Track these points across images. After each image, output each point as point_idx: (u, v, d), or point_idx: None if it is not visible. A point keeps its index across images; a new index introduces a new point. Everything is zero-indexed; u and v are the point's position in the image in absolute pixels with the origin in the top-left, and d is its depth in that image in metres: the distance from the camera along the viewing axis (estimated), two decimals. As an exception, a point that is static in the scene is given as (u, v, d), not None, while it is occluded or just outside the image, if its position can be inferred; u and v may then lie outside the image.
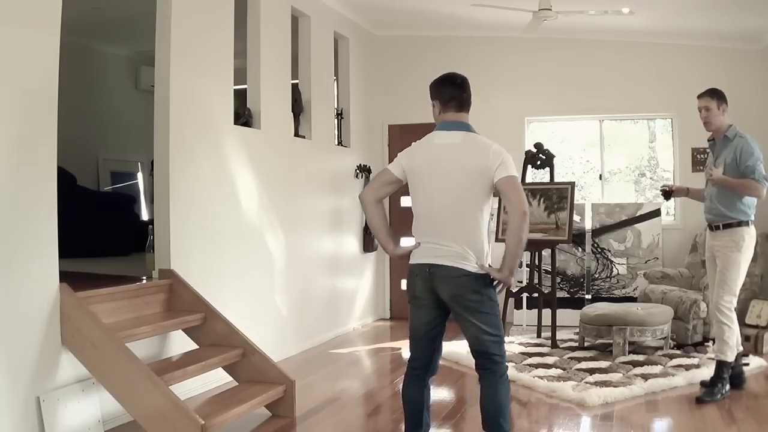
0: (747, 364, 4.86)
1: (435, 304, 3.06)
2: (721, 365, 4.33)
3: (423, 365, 3.17)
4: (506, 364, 3.08)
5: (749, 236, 4.31)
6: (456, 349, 5.70)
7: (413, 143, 3.22)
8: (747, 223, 4.30)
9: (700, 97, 4.43)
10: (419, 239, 3.11)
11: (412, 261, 3.11)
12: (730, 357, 4.31)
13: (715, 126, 4.40)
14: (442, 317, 3.12)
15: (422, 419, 3.16)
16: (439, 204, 3.03)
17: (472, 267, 2.97)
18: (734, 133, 4.35)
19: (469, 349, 3.12)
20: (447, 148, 3.06)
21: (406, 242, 3.23)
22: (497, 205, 6.54)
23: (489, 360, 3.04)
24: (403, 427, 3.21)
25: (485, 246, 3.04)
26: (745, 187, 4.22)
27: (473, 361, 3.10)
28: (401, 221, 7.78)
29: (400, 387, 3.31)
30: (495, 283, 3.03)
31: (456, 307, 3.02)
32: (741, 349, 4.50)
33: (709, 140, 4.59)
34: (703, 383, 4.53)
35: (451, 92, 3.15)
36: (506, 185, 2.96)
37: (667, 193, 4.72)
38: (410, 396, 3.18)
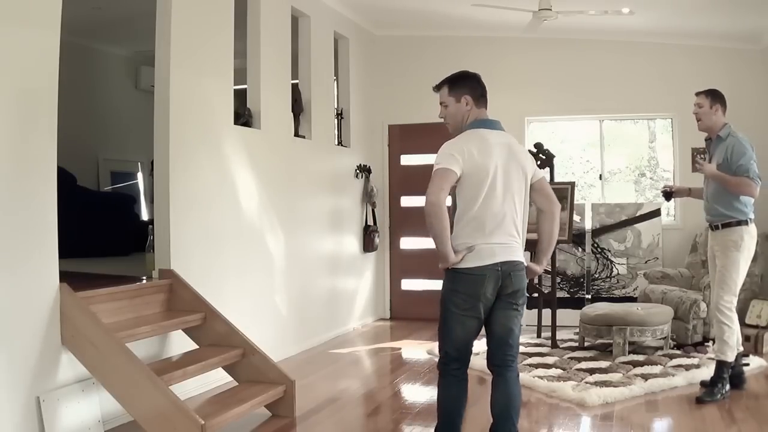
0: (747, 364, 4.86)
1: (491, 303, 3.05)
2: (721, 365, 4.33)
3: (467, 366, 3.15)
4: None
5: (749, 235, 4.30)
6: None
7: (459, 140, 3.09)
8: (746, 222, 4.29)
9: (696, 94, 4.47)
10: (473, 242, 3.02)
11: (476, 264, 2.99)
12: (730, 357, 4.31)
13: (706, 125, 4.42)
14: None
15: (461, 422, 3.16)
16: (507, 204, 3.05)
17: (524, 260, 3.12)
18: (727, 132, 4.35)
19: (490, 348, 3.14)
20: (505, 148, 3.08)
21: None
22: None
23: (510, 356, 3.09)
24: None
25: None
26: (739, 184, 4.21)
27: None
28: (403, 222, 7.80)
29: (434, 393, 3.26)
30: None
31: (512, 299, 3.06)
32: (741, 349, 4.50)
33: (706, 140, 4.59)
34: (703, 383, 4.53)
35: (481, 89, 3.18)
36: (544, 183, 3.20)
37: (668, 194, 4.72)
38: (459, 399, 3.13)
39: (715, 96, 4.39)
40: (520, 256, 3.08)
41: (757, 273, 6.11)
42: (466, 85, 3.17)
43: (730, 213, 4.30)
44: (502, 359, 3.09)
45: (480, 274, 2.98)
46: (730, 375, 4.36)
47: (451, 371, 3.12)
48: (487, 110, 3.19)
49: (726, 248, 4.31)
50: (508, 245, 3.03)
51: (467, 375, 3.15)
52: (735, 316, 4.33)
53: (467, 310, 3.02)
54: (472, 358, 3.21)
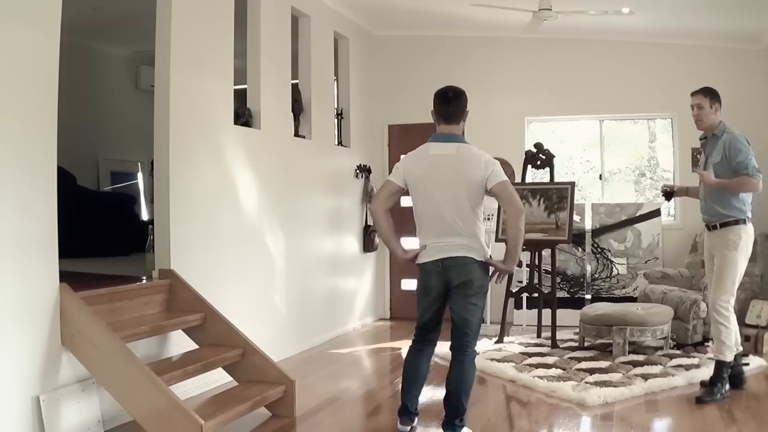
0: (747, 364, 4.85)
1: (443, 293, 3.57)
2: (720, 365, 4.32)
3: (427, 343, 3.72)
4: (477, 350, 3.63)
5: (746, 234, 4.28)
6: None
7: (408, 154, 3.66)
8: (744, 221, 4.27)
9: (693, 94, 4.43)
10: (425, 241, 3.59)
11: (423, 260, 3.58)
12: (729, 357, 4.30)
13: (706, 124, 4.40)
14: (445, 303, 3.64)
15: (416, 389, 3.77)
16: (444, 209, 3.49)
17: (476, 256, 3.49)
18: (722, 130, 4.33)
19: (451, 333, 3.63)
20: (444, 159, 3.51)
21: (407, 243, 3.73)
22: (497, 206, 6.56)
23: (465, 341, 3.55)
24: (400, 395, 3.80)
25: (483, 241, 3.57)
26: (741, 184, 4.19)
27: None
28: (402, 221, 7.79)
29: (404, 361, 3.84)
30: (497, 274, 3.57)
31: (459, 290, 3.51)
32: (740, 349, 4.49)
33: (701, 138, 4.57)
34: (703, 383, 4.53)
35: (441, 107, 3.58)
36: (502, 190, 3.46)
37: (669, 194, 4.70)
38: (414, 367, 3.74)
39: (713, 95, 4.37)
40: (464, 252, 3.47)
41: (757, 273, 6.11)
42: (434, 103, 3.62)
43: (727, 212, 4.28)
44: (458, 344, 3.57)
45: (427, 268, 3.56)
46: (729, 375, 4.35)
47: (415, 341, 3.75)
48: (452, 125, 3.57)
49: (724, 248, 4.29)
50: (449, 244, 3.49)
51: (428, 352, 3.73)
52: (733, 316, 4.32)
53: (424, 294, 3.62)
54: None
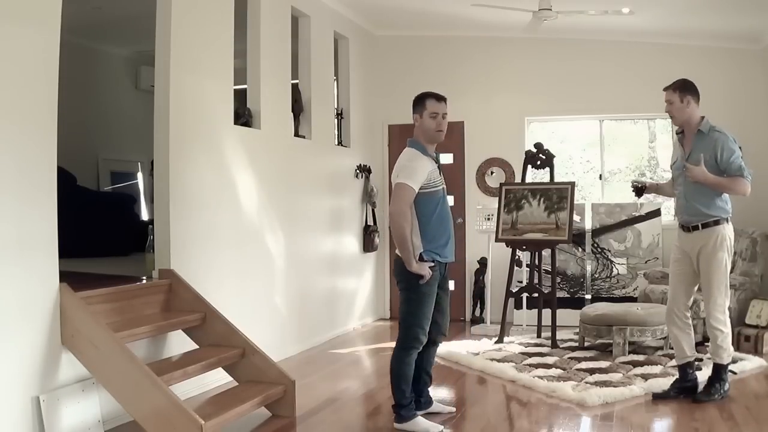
0: (734, 372, 4.69)
1: None
2: (717, 368, 4.28)
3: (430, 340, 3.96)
4: (411, 342, 3.76)
5: (731, 233, 4.15)
6: (455, 349, 5.71)
7: None
8: (727, 220, 4.14)
9: (665, 90, 4.23)
10: None
11: None
12: (726, 359, 4.24)
13: (681, 119, 4.20)
14: None
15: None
16: None
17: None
18: (708, 127, 4.14)
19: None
20: None
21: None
22: (497, 206, 6.56)
23: (399, 331, 3.84)
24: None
25: (417, 240, 3.73)
26: (735, 184, 4.04)
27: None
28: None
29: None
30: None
31: None
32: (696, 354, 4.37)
33: (677, 133, 4.37)
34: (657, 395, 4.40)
35: None
36: (393, 190, 3.73)
37: (639, 190, 4.53)
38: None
39: (684, 88, 4.16)
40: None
41: (757, 273, 6.10)
42: None
43: (711, 212, 4.11)
44: None
45: None
46: (683, 381, 4.31)
47: None
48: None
49: (712, 249, 4.11)
50: None
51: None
52: (728, 319, 4.21)
53: None
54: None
